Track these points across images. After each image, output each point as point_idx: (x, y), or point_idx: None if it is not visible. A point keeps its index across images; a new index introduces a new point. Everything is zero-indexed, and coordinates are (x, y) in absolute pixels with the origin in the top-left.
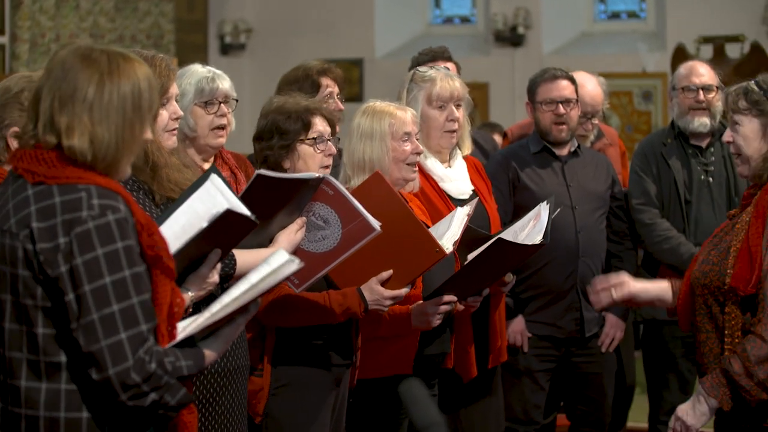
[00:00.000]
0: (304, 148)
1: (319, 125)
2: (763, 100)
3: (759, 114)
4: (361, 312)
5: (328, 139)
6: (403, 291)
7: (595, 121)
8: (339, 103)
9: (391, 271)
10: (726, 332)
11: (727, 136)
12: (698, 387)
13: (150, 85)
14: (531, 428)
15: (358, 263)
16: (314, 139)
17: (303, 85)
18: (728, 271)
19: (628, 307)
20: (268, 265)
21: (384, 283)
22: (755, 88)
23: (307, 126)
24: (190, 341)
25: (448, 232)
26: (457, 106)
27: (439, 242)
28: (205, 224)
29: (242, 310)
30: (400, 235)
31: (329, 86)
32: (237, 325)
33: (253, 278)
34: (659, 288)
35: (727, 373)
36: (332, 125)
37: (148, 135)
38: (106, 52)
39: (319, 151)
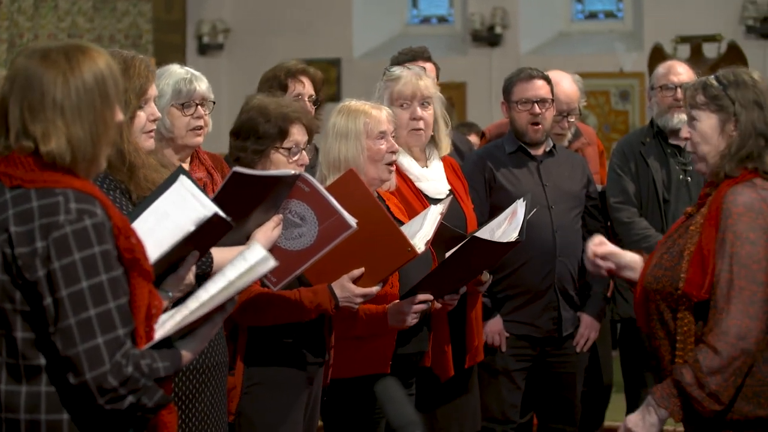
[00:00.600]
0: (277, 157)
1: (297, 134)
2: (722, 95)
3: (717, 109)
4: (332, 309)
5: (303, 148)
6: (375, 289)
7: (572, 119)
8: (309, 105)
9: (362, 269)
10: (678, 338)
11: (684, 132)
12: (648, 397)
13: (112, 71)
14: (508, 427)
15: (330, 261)
16: (288, 149)
17: (272, 85)
18: (681, 276)
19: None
20: (244, 260)
21: (356, 281)
22: (714, 82)
23: (284, 134)
24: (167, 341)
25: (421, 231)
26: (424, 105)
27: (411, 241)
28: (192, 228)
29: (219, 308)
30: (372, 234)
31: (297, 88)
32: (214, 324)
33: (230, 275)
34: (632, 257)
35: (679, 383)
36: (310, 134)
37: (119, 117)
38: (63, 50)
39: (291, 162)
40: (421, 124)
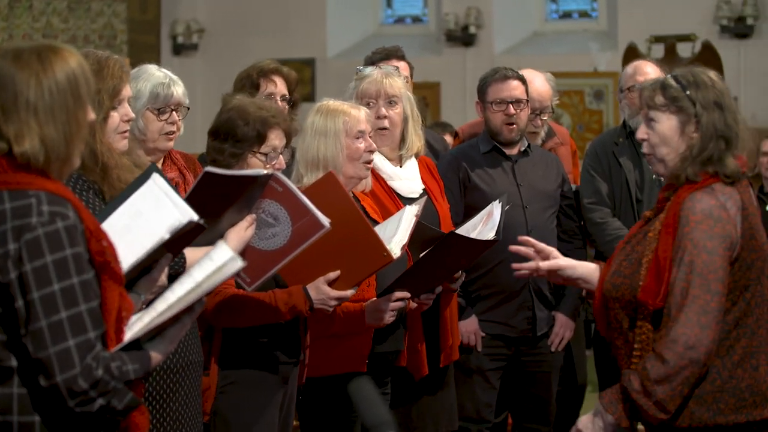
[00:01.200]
0: (254, 161)
1: (275, 139)
2: (682, 96)
3: (678, 111)
4: (306, 310)
5: (281, 153)
6: (349, 292)
7: (545, 117)
8: (282, 104)
9: (338, 272)
10: (636, 347)
11: (641, 133)
12: (597, 402)
13: (84, 70)
14: (483, 427)
15: (307, 262)
16: (266, 155)
17: (245, 84)
18: (640, 284)
19: (577, 307)
20: (211, 261)
21: (331, 284)
22: (673, 83)
23: (262, 139)
24: (136, 343)
25: (397, 236)
26: (390, 104)
27: (388, 246)
28: (167, 236)
29: (188, 309)
30: (349, 237)
31: (269, 87)
32: (182, 325)
33: (197, 276)
34: (587, 269)
35: (626, 390)
36: (289, 137)
37: (92, 117)
38: (35, 50)
39: (268, 167)
40: (385, 123)
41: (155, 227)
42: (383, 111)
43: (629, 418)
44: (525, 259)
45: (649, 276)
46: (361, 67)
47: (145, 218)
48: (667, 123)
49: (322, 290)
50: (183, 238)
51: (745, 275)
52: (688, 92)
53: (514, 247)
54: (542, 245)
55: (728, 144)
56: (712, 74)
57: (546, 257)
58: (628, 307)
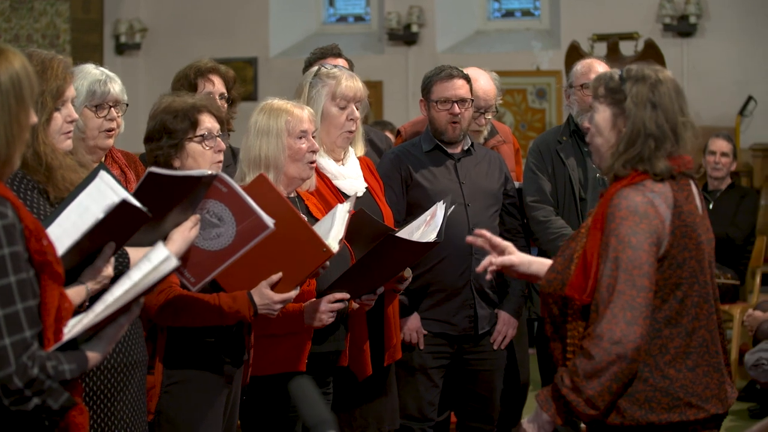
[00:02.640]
0: (192, 146)
1: (207, 122)
2: (618, 89)
3: (612, 103)
4: (250, 316)
5: (217, 135)
6: (293, 294)
7: (489, 116)
8: (221, 102)
9: (280, 274)
10: (568, 342)
11: (584, 122)
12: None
13: (27, 72)
14: (426, 425)
15: (247, 266)
16: (202, 136)
17: (183, 84)
18: (570, 279)
19: (521, 305)
20: (148, 261)
21: (273, 286)
22: (616, 75)
23: (195, 124)
24: (73, 344)
25: (333, 231)
26: (357, 106)
27: (326, 241)
28: (101, 215)
29: (124, 309)
30: (287, 237)
31: (207, 86)
32: (119, 326)
33: (134, 276)
34: (541, 265)
35: (557, 387)
36: (221, 122)
37: (34, 119)
38: None
39: (208, 148)
40: (354, 126)
41: (95, 213)
42: (356, 113)
43: (564, 414)
44: (467, 256)
45: (577, 271)
46: (329, 66)
47: (90, 213)
48: (602, 114)
49: (266, 295)
50: (124, 223)
51: (676, 273)
52: (624, 86)
53: (470, 238)
54: (498, 240)
55: (658, 144)
56: (667, 73)
57: (501, 252)
58: (559, 303)
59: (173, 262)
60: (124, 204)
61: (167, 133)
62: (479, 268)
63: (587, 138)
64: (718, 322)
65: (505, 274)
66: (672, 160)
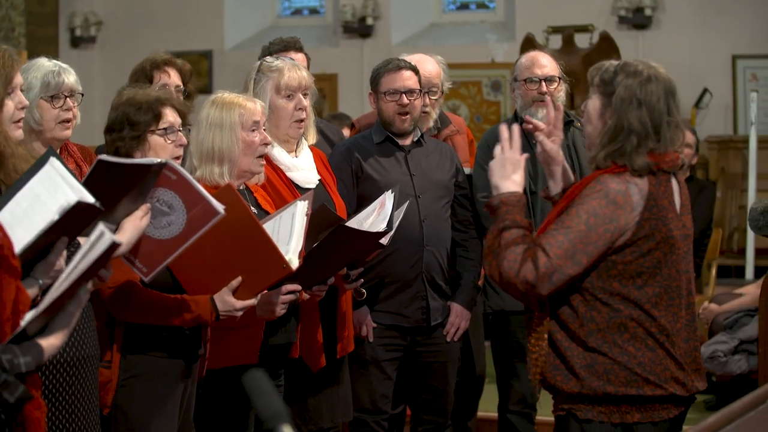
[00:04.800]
0: (154, 139)
1: (170, 116)
2: (610, 81)
3: (603, 93)
4: (212, 321)
5: (179, 130)
6: (254, 301)
7: (435, 96)
8: (177, 95)
9: (240, 279)
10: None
11: (583, 107)
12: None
13: None
14: (379, 418)
15: (208, 272)
16: (165, 129)
17: (140, 77)
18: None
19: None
20: (88, 242)
21: (234, 291)
22: (611, 68)
23: (158, 117)
24: (24, 336)
25: (293, 242)
26: (305, 95)
27: (286, 257)
28: (56, 217)
29: (70, 294)
30: (249, 248)
31: (163, 79)
32: (70, 314)
33: (75, 259)
34: (566, 177)
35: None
36: (183, 116)
37: None
38: None
39: (169, 142)
40: (304, 115)
41: (50, 210)
42: (304, 102)
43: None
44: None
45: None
46: (267, 59)
47: (42, 202)
48: (594, 102)
49: (228, 302)
50: (77, 219)
51: (638, 261)
52: (616, 79)
53: (528, 117)
54: (560, 124)
55: (639, 141)
56: (661, 72)
57: (549, 135)
58: None
59: (108, 238)
60: (78, 204)
61: (130, 124)
62: (528, 122)
63: (583, 124)
64: (691, 315)
65: (539, 157)
66: (653, 157)
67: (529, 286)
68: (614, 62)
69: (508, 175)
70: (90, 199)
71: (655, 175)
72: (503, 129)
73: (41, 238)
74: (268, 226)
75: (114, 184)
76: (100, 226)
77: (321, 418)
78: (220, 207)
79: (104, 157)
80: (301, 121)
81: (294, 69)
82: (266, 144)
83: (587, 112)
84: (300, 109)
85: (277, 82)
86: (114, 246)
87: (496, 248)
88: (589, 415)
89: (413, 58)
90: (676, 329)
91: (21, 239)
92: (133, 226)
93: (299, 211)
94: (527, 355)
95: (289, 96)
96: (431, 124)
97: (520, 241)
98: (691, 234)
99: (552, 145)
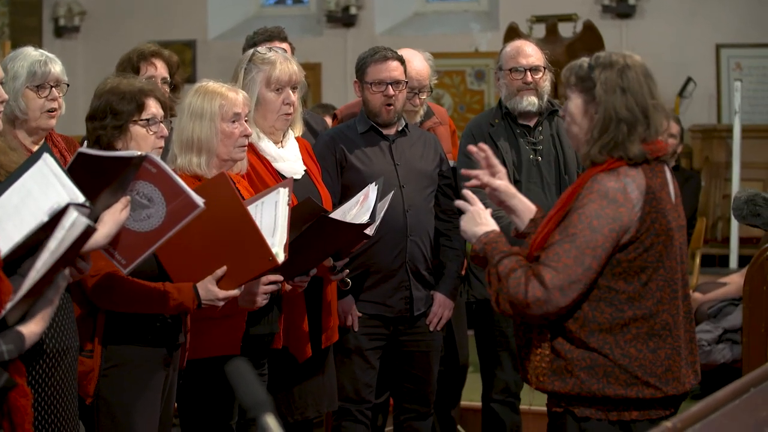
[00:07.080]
0: (136, 129)
1: (153, 107)
2: (587, 77)
3: (583, 90)
4: (194, 308)
5: (161, 121)
6: (237, 292)
7: (423, 96)
8: (163, 87)
9: (225, 268)
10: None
11: (562, 110)
12: None
13: None
14: (363, 407)
15: (194, 260)
16: (147, 120)
17: (126, 68)
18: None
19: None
20: (63, 227)
21: (218, 281)
22: (585, 63)
23: (141, 107)
24: (3, 326)
25: (277, 234)
26: (294, 89)
27: (273, 250)
28: (45, 219)
29: (48, 280)
30: (237, 238)
31: (150, 70)
32: (49, 301)
33: (51, 245)
34: (522, 203)
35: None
36: (165, 108)
37: None
38: None
39: (151, 133)
40: (291, 110)
41: (41, 209)
42: (292, 97)
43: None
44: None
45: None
46: (263, 50)
47: (33, 199)
48: (575, 102)
49: (211, 291)
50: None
51: (641, 257)
52: (593, 73)
53: (471, 147)
54: (495, 161)
55: (630, 129)
56: (636, 58)
57: (493, 174)
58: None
59: (82, 222)
60: (68, 206)
61: (112, 113)
62: (468, 183)
63: (565, 125)
64: (687, 307)
65: (488, 198)
66: (646, 145)
67: (542, 303)
68: (585, 59)
69: (481, 223)
70: (80, 199)
71: (651, 166)
72: (472, 149)
73: (30, 238)
74: (250, 210)
75: (94, 177)
76: (71, 211)
77: (307, 407)
78: (199, 200)
79: (84, 149)
80: (289, 114)
81: (286, 63)
82: (246, 136)
83: (569, 113)
84: (287, 104)
85: (268, 75)
86: (90, 230)
87: (497, 285)
88: (587, 413)
89: (401, 53)
90: (678, 322)
91: (10, 234)
92: (113, 218)
93: (282, 199)
94: (525, 359)
95: (278, 90)
96: (418, 119)
97: (516, 266)
98: (684, 224)
99: (499, 181)
